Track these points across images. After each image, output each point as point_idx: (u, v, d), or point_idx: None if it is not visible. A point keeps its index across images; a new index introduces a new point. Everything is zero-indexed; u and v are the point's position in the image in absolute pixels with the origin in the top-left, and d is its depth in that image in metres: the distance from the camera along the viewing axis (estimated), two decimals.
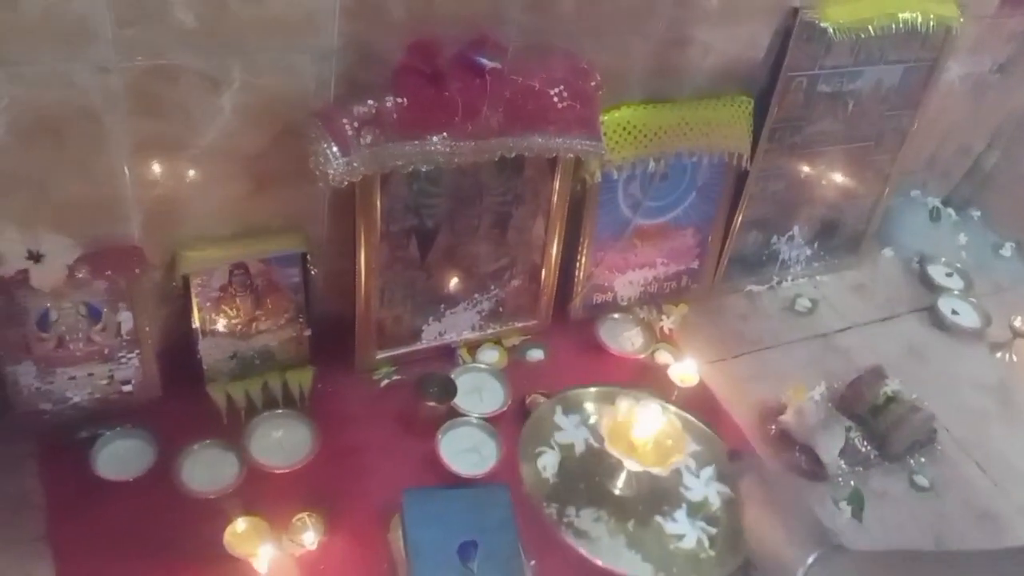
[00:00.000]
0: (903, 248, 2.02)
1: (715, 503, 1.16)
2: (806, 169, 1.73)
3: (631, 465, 1.10)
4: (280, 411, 1.34)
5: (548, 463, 1.17)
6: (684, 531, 1.11)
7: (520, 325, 1.57)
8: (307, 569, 1.15)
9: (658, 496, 1.14)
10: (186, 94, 1.12)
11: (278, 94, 1.16)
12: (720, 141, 1.53)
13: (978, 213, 2.17)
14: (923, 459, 1.51)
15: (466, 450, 1.34)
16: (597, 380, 1.50)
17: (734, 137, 1.55)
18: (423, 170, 1.26)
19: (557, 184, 1.43)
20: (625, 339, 1.62)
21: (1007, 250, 2.09)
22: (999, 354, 1.79)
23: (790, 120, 1.61)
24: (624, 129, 1.43)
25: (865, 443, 1.49)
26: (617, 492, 1.13)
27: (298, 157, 1.17)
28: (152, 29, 1.05)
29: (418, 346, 1.48)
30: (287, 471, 1.26)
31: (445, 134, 1.19)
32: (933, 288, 1.92)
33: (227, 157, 1.20)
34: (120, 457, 1.24)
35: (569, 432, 1.22)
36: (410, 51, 1.17)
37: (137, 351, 1.27)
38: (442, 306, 1.47)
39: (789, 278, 1.86)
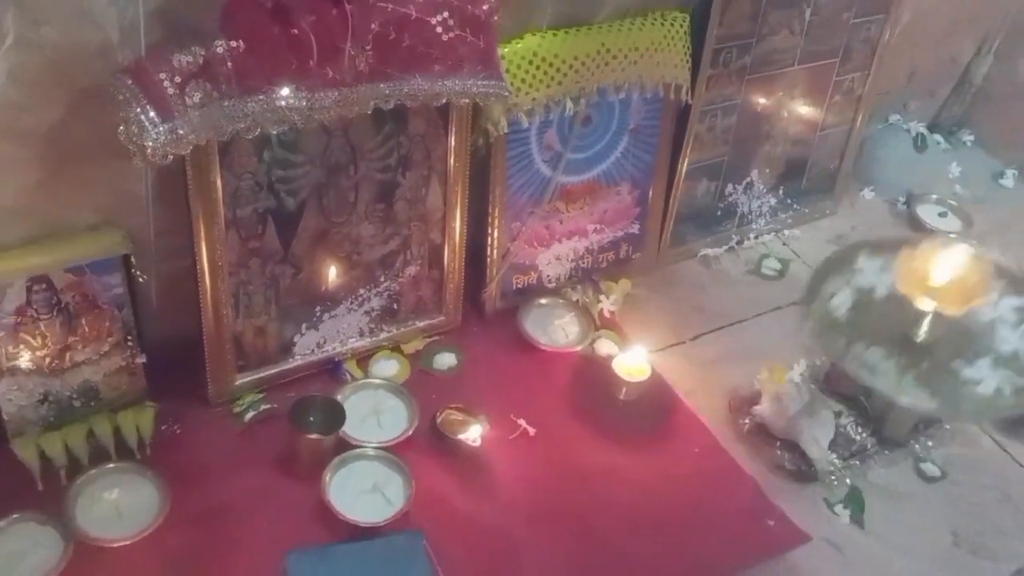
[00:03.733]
0: (886, 186, 2.06)
1: None
2: (761, 98, 1.74)
3: (924, 304, 1.25)
4: (113, 465, 1.29)
5: (841, 302, 1.33)
6: (983, 377, 1.25)
7: (423, 325, 1.54)
8: None
9: (961, 343, 1.28)
10: None
11: (69, 48, 1.10)
12: (652, 70, 1.53)
13: (971, 137, 2.23)
14: (930, 442, 1.54)
15: (365, 492, 1.31)
16: (526, 384, 1.51)
17: (669, 64, 1.54)
18: (275, 133, 1.22)
19: (452, 140, 1.40)
20: (557, 329, 1.62)
21: (1009, 179, 2.16)
22: None
23: (736, 37, 1.62)
24: (531, 63, 1.41)
25: (859, 429, 1.51)
26: (919, 339, 1.29)
27: (106, 129, 1.11)
28: None
29: (290, 364, 1.44)
30: (129, 543, 1.20)
31: (297, 84, 1.15)
32: (925, 232, 1.97)
33: (11, 136, 1.14)
34: None
35: (870, 275, 1.37)
36: None
37: None
38: (318, 309, 1.44)
39: (752, 235, 1.88)
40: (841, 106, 1.87)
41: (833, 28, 1.73)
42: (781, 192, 1.90)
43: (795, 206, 1.93)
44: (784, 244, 1.90)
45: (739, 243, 1.86)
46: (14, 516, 1.21)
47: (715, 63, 1.62)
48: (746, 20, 1.61)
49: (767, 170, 1.85)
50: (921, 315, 1.30)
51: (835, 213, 1.98)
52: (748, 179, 1.84)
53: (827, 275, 1.40)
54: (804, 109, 1.82)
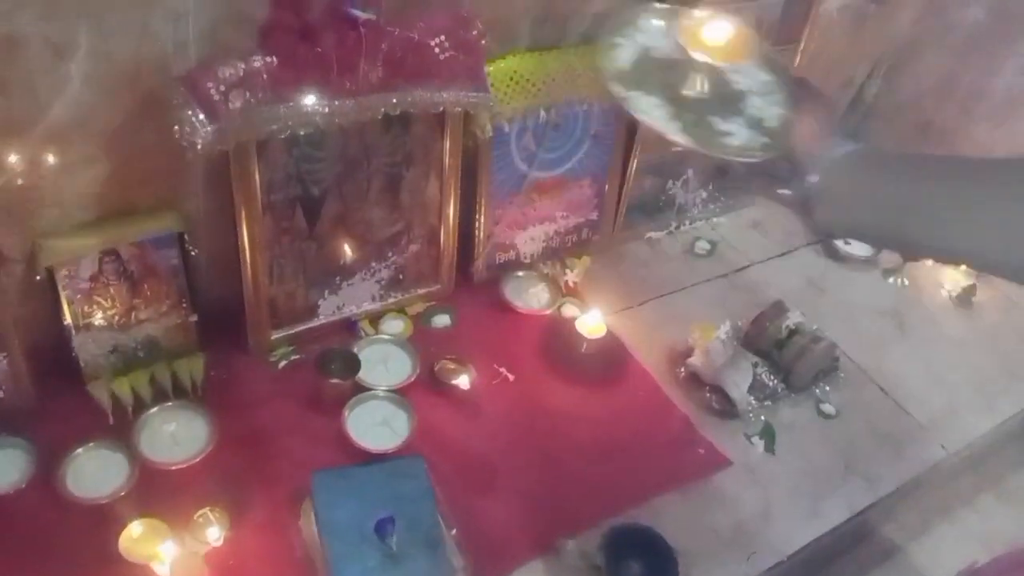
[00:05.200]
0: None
1: (773, 122, 1.16)
2: None
3: (697, 56, 1.13)
4: (171, 404, 1.26)
5: (623, 56, 1.19)
6: (734, 131, 1.15)
7: (423, 291, 1.52)
8: (214, 567, 1.09)
9: (720, 101, 1.18)
10: (27, 65, 1.02)
11: (132, 59, 1.07)
12: None
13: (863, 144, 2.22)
14: (828, 387, 1.55)
15: (376, 425, 1.30)
16: (506, 340, 1.49)
17: None
18: (302, 133, 1.20)
19: (447, 141, 1.38)
20: (531, 296, 1.60)
21: None
22: (891, 279, 1.84)
23: None
24: (512, 79, 1.39)
25: (772, 377, 1.51)
26: (685, 92, 1.17)
27: (163, 128, 1.09)
28: None
29: (315, 322, 1.42)
30: (184, 466, 1.19)
31: (321, 93, 1.13)
32: None
33: (83, 133, 1.11)
34: None
35: (650, 35, 1.23)
36: (277, 5, 1.10)
37: (3, 354, 1.17)
38: (338, 278, 1.41)
39: (687, 222, 1.86)
40: None
41: None
42: (710, 187, 1.88)
43: (721, 199, 1.91)
44: (712, 229, 1.88)
45: (677, 228, 1.85)
46: (91, 444, 1.19)
47: None
48: None
49: (700, 169, 1.83)
50: (692, 69, 1.17)
51: (753, 204, 1.97)
52: (685, 177, 1.82)
53: (613, 31, 1.22)
54: None
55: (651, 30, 1.23)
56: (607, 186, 1.67)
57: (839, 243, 1.88)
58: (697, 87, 1.17)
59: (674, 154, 1.75)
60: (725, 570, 1.23)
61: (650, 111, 1.14)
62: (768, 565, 1.25)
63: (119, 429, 1.22)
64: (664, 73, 1.18)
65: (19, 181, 1.10)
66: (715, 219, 1.90)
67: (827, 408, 1.51)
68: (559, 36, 1.45)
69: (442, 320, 1.51)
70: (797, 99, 1.15)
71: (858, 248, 1.89)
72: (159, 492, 1.15)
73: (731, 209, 1.93)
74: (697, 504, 1.30)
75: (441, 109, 1.27)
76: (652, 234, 1.81)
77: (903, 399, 1.56)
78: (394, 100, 1.20)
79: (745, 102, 1.19)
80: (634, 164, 1.67)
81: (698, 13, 1.19)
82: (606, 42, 1.20)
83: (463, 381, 1.37)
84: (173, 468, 1.18)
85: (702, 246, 1.81)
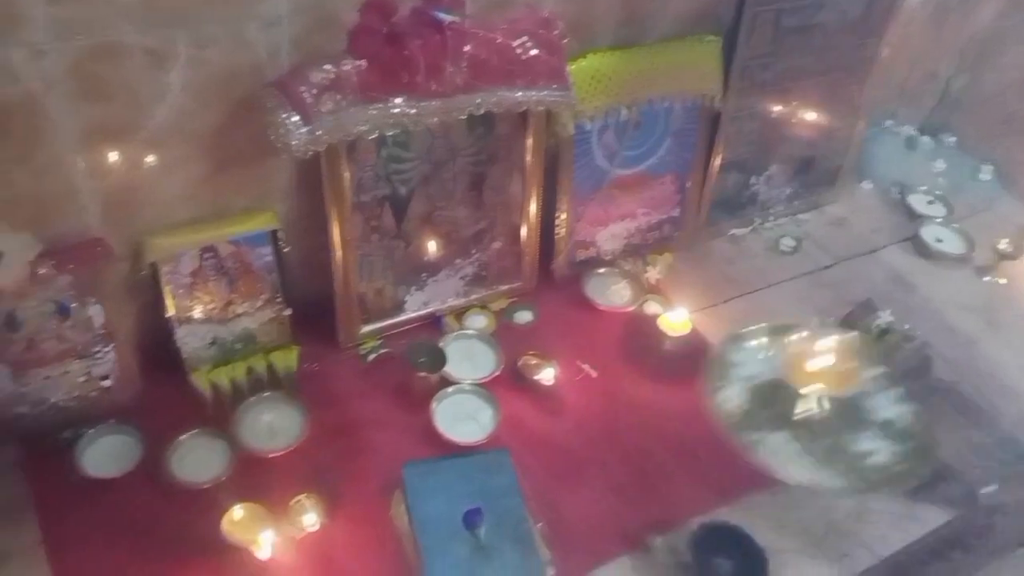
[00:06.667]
0: (881, 179, 1.97)
1: (905, 421, 1.16)
2: (779, 106, 1.68)
3: (812, 390, 1.11)
4: (267, 394, 1.29)
5: (730, 396, 1.17)
6: (875, 447, 1.12)
7: (505, 288, 1.52)
8: (310, 551, 1.11)
9: (847, 418, 1.14)
10: (130, 73, 1.06)
11: (228, 66, 1.10)
12: (691, 84, 1.48)
13: (953, 139, 2.12)
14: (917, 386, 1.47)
15: (463, 418, 1.30)
16: (588, 336, 1.48)
17: (705, 78, 1.49)
18: (390, 135, 1.21)
19: (530, 140, 1.37)
20: (613, 293, 1.58)
21: (986, 173, 2.05)
22: (987, 278, 1.75)
23: (759, 57, 1.56)
24: (593, 78, 1.38)
25: None
26: (797, 417, 1.14)
27: (258, 131, 1.12)
28: (87, 5, 0.98)
29: (403, 317, 1.43)
30: (280, 454, 1.21)
31: (408, 95, 1.14)
32: (915, 217, 1.88)
33: (183, 137, 1.15)
34: (106, 454, 1.19)
35: (748, 366, 1.22)
36: (365, 11, 1.12)
37: (112, 345, 1.21)
38: (424, 275, 1.42)
39: (771, 218, 1.81)
40: (844, 113, 1.79)
41: (838, 48, 1.66)
42: (795, 183, 1.82)
43: (806, 195, 1.85)
44: (797, 226, 1.83)
45: (761, 225, 1.80)
46: (194, 431, 1.22)
47: (742, 78, 1.56)
48: (768, 43, 1.55)
49: (783, 166, 1.78)
50: (803, 397, 1.14)
51: (837, 201, 1.91)
52: (768, 172, 1.77)
53: (720, 371, 1.21)
54: (814, 115, 1.75)
55: (749, 358, 1.21)
56: (689, 182, 1.64)
57: (930, 240, 1.80)
58: (820, 407, 1.13)
59: (758, 150, 1.71)
60: (816, 571, 1.19)
61: (779, 450, 1.11)
62: (862, 567, 1.20)
63: (219, 418, 1.25)
64: (775, 404, 1.14)
65: (122, 182, 1.14)
66: (800, 215, 1.84)
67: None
68: (640, 35, 1.43)
69: (524, 316, 1.50)
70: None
71: (951, 245, 1.80)
72: (258, 478, 1.18)
73: (815, 205, 1.87)
74: (787, 502, 1.25)
75: (524, 108, 1.27)
76: (735, 231, 1.77)
77: (996, 399, 1.48)
78: (478, 100, 1.20)
79: (866, 407, 1.15)
80: (716, 161, 1.64)
81: (796, 338, 1.16)
82: (711, 385, 1.18)
83: (546, 376, 1.36)
84: (270, 456, 1.21)
85: (787, 243, 1.76)
